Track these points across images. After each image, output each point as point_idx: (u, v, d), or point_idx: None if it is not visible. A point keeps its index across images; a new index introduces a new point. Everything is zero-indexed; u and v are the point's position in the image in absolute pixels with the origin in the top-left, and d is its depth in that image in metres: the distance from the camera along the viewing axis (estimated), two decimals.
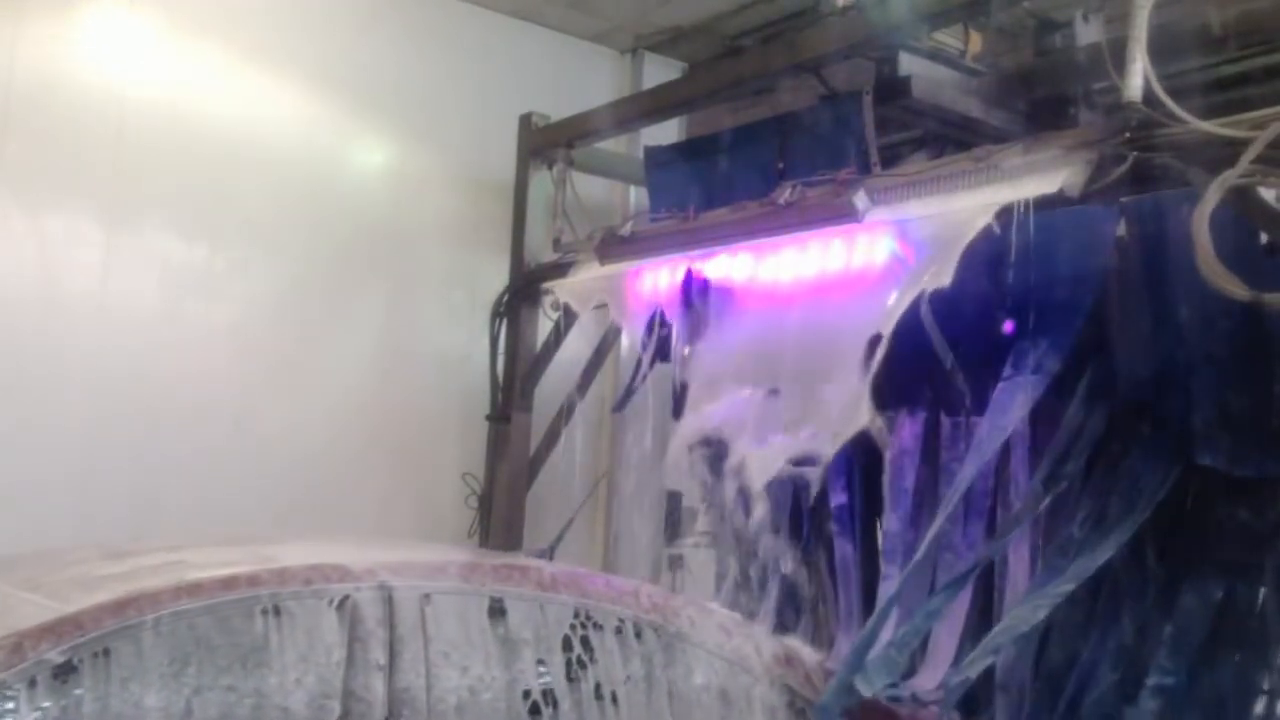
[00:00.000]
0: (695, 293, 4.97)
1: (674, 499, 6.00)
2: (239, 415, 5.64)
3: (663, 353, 5.22)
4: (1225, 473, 3.62)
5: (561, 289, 5.68)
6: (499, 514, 5.95)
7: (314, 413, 5.90)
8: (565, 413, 5.90)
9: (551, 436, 5.96)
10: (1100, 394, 3.92)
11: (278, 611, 2.44)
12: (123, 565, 2.59)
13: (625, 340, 5.46)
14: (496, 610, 2.67)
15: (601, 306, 5.50)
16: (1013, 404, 3.82)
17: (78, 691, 2.25)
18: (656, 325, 5.15)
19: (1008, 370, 3.90)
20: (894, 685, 3.88)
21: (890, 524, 4.40)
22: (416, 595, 2.59)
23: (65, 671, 2.26)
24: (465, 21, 6.45)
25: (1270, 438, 3.56)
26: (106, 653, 2.28)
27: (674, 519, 6.07)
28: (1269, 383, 3.59)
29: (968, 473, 3.86)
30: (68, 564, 2.76)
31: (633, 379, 5.34)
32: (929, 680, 4.05)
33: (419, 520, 6.07)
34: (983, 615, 4.14)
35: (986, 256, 3.99)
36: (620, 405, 5.53)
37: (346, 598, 2.51)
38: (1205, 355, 3.68)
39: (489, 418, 6.10)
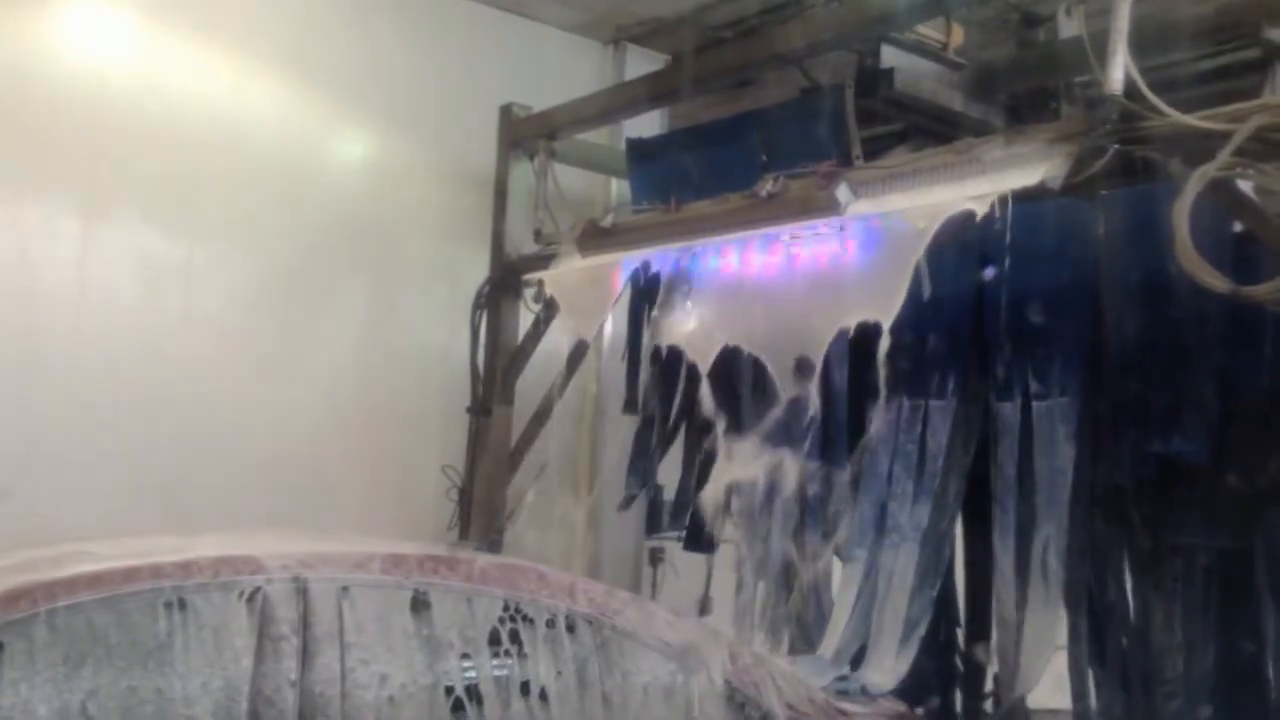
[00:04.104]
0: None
1: (655, 491, 5.91)
2: (217, 408, 5.58)
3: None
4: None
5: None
6: (480, 507, 5.89)
7: (293, 405, 5.85)
8: (546, 405, 5.84)
9: (532, 429, 5.89)
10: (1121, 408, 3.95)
11: (183, 605, 2.32)
12: (21, 556, 2.49)
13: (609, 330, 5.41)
14: (420, 603, 2.57)
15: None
16: (1057, 437, 3.89)
17: None
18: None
19: (1036, 387, 3.97)
20: (844, 678, 3.86)
21: (862, 508, 4.43)
22: (334, 588, 2.49)
23: None
24: (446, 12, 6.38)
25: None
26: None
27: (656, 512, 5.98)
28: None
29: (1050, 527, 3.87)
30: None
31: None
32: (875, 672, 4.03)
33: (399, 513, 6.00)
34: (939, 605, 4.22)
35: (974, 254, 4.04)
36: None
37: (257, 590, 2.41)
38: (1169, 345, 3.78)
39: (470, 410, 6.02)
